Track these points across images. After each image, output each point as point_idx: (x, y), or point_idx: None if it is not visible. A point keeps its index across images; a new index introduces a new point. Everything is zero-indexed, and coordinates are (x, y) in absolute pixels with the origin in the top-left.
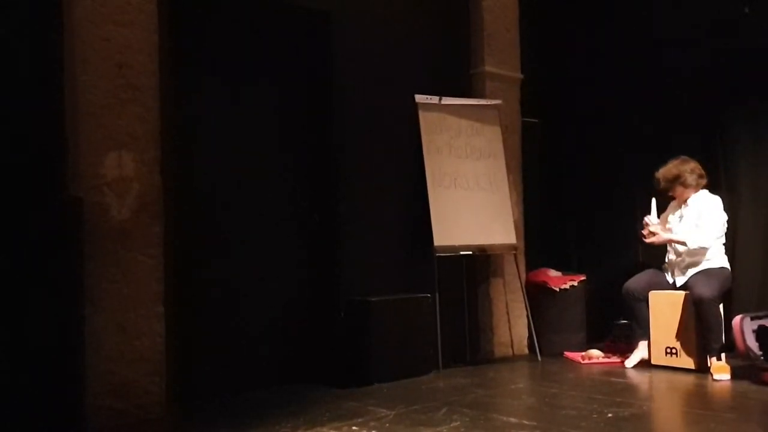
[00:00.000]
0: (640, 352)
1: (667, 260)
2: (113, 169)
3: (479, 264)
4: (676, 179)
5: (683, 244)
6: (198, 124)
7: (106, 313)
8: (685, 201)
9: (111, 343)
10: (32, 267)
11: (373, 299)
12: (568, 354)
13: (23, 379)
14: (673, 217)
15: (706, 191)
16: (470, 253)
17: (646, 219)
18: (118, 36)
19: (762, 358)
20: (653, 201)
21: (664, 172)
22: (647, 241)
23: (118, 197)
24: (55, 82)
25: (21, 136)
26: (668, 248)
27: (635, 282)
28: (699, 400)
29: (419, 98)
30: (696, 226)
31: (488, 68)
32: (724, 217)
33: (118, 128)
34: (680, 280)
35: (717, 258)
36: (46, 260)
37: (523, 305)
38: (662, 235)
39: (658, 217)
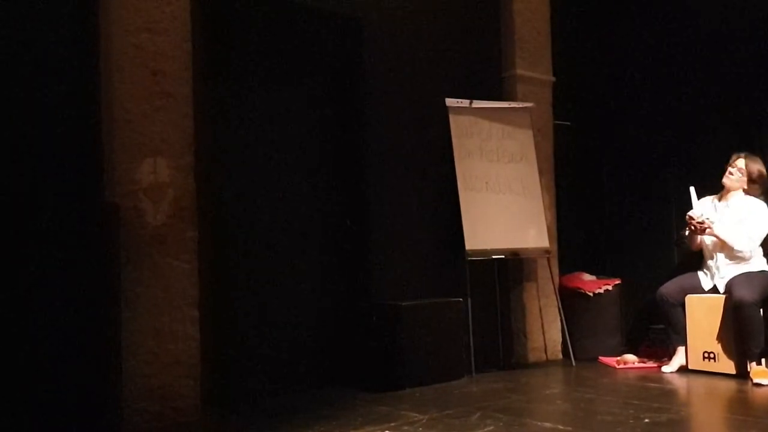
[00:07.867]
0: (679, 359)
1: (704, 264)
2: (148, 175)
3: (512, 268)
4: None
5: (731, 245)
6: (230, 130)
7: (141, 317)
8: (727, 197)
9: (147, 347)
10: (70, 272)
11: (404, 303)
12: (603, 359)
13: (62, 382)
14: (711, 215)
15: (751, 196)
16: (502, 257)
17: (691, 213)
18: (152, 44)
19: None
20: (692, 192)
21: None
22: (697, 235)
23: (153, 203)
24: (91, 90)
25: (59, 143)
26: (705, 252)
27: (669, 287)
28: (738, 406)
29: (450, 102)
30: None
31: (519, 71)
32: None
33: (152, 135)
34: (720, 284)
35: (757, 261)
36: (84, 265)
37: (557, 309)
38: (714, 230)
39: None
